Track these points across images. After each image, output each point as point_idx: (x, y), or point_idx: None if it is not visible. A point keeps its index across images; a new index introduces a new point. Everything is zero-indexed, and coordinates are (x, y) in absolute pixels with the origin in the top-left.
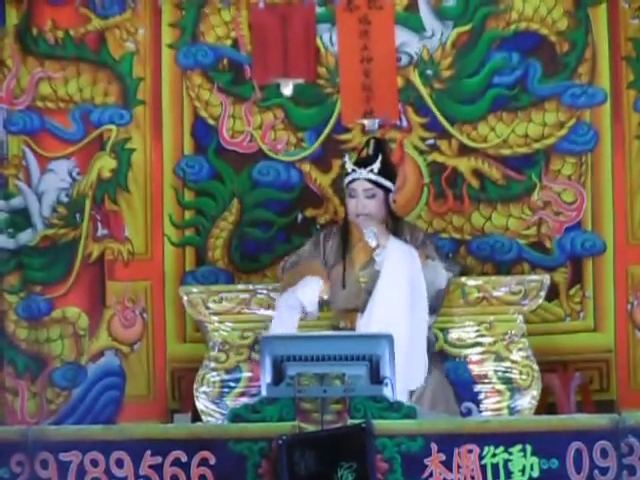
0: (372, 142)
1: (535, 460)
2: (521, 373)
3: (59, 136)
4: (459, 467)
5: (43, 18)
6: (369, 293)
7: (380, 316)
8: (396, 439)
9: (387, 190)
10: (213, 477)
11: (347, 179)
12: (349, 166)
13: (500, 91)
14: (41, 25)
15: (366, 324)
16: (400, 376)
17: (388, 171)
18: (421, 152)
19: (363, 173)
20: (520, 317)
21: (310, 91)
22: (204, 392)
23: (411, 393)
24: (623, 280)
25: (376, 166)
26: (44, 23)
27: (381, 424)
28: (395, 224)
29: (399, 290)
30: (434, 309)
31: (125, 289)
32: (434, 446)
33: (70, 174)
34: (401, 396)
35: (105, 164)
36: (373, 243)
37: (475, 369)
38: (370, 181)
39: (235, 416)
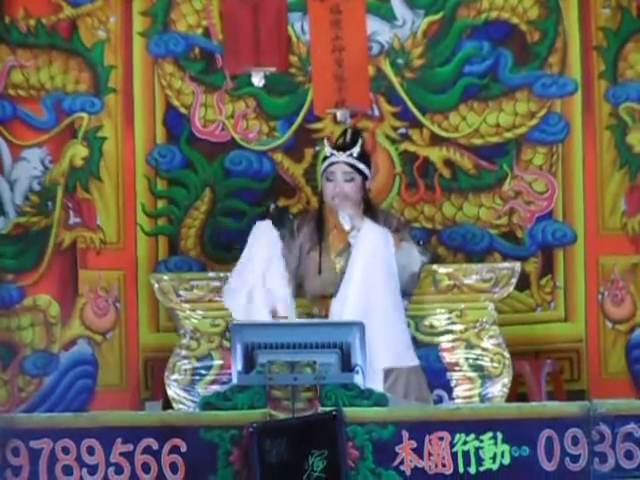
0: (349, 131)
1: (506, 447)
2: (492, 361)
3: (31, 124)
4: (430, 454)
5: (15, 6)
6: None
7: (354, 298)
8: (367, 426)
9: (364, 177)
10: (184, 465)
11: (325, 163)
12: (328, 150)
13: (471, 80)
14: (13, 13)
15: (340, 308)
16: (380, 355)
17: (365, 158)
18: (393, 141)
19: (342, 156)
20: (491, 305)
21: (282, 80)
22: (175, 380)
23: (386, 377)
24: (594, 270)
25: (355, 150)
26: (16, 11)
27: (352, 412)
28: (370, 212)
29: (373, 272)
30: (407, 293)
31: (98, 278)
32: (405, 433)
33: (42, 162)
34: (377, 376)
35: (77, 152)
36: (347, 226)
37: (446, 356)
38: (349, 165)
39: (206, 404)
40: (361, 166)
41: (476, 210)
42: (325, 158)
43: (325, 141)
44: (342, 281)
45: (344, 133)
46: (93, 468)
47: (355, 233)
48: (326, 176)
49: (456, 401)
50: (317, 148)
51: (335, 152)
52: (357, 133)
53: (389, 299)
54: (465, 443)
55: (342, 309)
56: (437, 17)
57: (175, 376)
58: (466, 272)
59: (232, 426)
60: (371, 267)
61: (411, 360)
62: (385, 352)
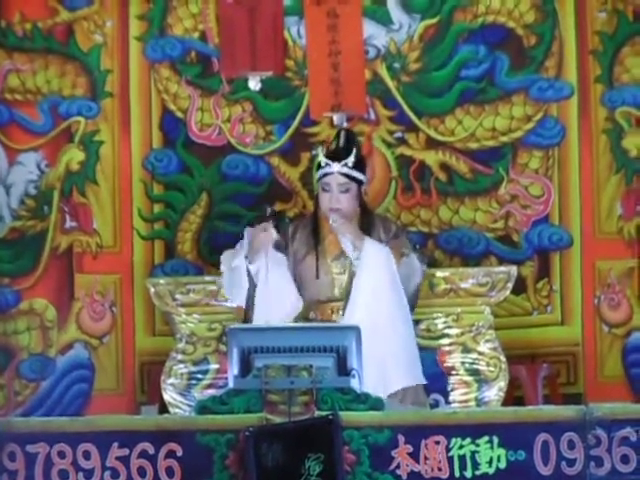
0: (342, 134)
1: (502, 452)
2: (488, 365)
3: (27, 128)
4: (426, 459)
5: (11, 11)
6: (341, 286)
7: (362, 319)
8: (363, 431)
9: (360, 182)
10: (180, 469)
11: (320, 173)
12: (322, 160)
13: (467, 84)
14: (9, 18)
15: None
16: (396, 377)
17: (360, 163)
18: (389, 145)
19: (337, 167)
20: (487, 309)
21: (278, 84)
22: (171, 384)
23: None
24: (590, 274)
25: (350, 160)
26: (12, 15)
27: (348, 416)
28: (367, 217)
29: (380, 293)
30: (413, 304)
31: (94, 282)
32: (401, 438)
33: (38, 166)
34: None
35: (73, 156)
36: (350, 253)
37: (443, 360)
38: (344, 175)
39: (202, 408)
40: (357, 174)
41: (472, 214)
42: (319, 165)
43: (319, 149)
44: (348, 304)
45: (338, 136)
46: (89, 472)
47: (357, 254)
48: (321, 186)
49: (452, 405)
50: (314, 152)
51: (330, 162)
52: (351, 135)
53: (399, 319)
54: (461, 447)
55: None
56: (433, 21)
57: (171, 380)
58: (462, 276)
59: (228, 430)
60: (377, 288)
61: (420, 379)
62: (400, 373)
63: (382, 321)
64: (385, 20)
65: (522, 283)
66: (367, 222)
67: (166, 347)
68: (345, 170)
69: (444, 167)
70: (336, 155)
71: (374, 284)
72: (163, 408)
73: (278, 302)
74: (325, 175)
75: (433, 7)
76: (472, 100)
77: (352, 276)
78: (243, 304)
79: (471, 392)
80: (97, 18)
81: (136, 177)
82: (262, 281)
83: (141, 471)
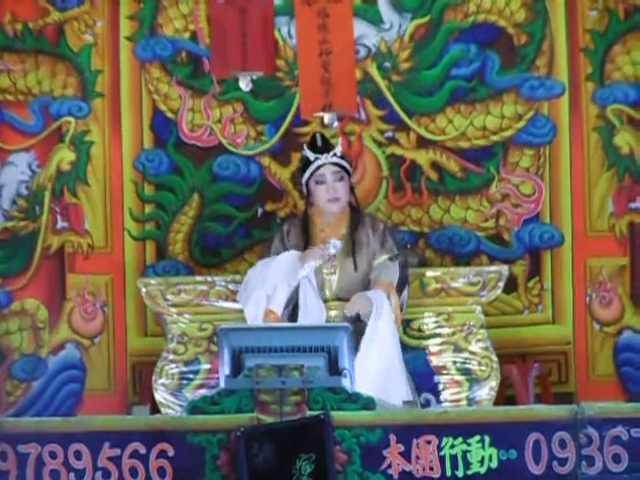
0: (317, 136)
1: (494, 451)
2: (480, 364)
3: (18, 129)
4: (418, 458)
5: (2, 11)
6: (331, 287)
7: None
8: (355, 430)
9: (348, 174)
10: (172, 469)
11: (312, 167)
12: (311, 155)
13: (458, 83)
14: (0, 18)
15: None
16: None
17: (344, 157)
18: (380, 145)
19: (328, 158)
20: (479, 308)
21: (269, 84)
22: (163, 384)
23: None
24: (581, 273)
25: (338, 150)
26: (3, 16)
27: (340, 415)
28: (356, 214)
29: (380, 340)
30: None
31: (85, 282)
32: (393, 437)
33: (30, 167)
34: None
35: (64, 156)
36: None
37: (434, 360)
38: (336, 164)
39: (194, 408)
40: (346, 164)
41: (463, 213)
42: (307, 164)
43: (305, 148)
44: (327, 296)
45: (314, 139)
46: (80, 472)
47: (350, 311)
48: (316, 180)
49: (444, 405)
50: (304, 151)
51: (319, 155)
52: (324, 136)
53: (396, 357)
54: (453, 447)
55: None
56: (424, 20)
57: (162, 380)
58: (454, 275)
59: (220, 430)
60: (379, 338)
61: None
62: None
63: (385, 363)
64: (376, 19)
65: (513, 282)
66: (356, 219)
67: (157, 347)
68: (336, 159)
69: (435, 166)
70: (323, 149)
71: (375, 335)
72: (154, 408)
73: (316, 309)
74: (318, 168)
75: (424, 6)
76: (463, 99)
77: (341, 276)
78: (276, 309)
79: (462, 391)
80: (87, 18)
81: (127, 177)
82: (303, 290)
83: (132, 471)
